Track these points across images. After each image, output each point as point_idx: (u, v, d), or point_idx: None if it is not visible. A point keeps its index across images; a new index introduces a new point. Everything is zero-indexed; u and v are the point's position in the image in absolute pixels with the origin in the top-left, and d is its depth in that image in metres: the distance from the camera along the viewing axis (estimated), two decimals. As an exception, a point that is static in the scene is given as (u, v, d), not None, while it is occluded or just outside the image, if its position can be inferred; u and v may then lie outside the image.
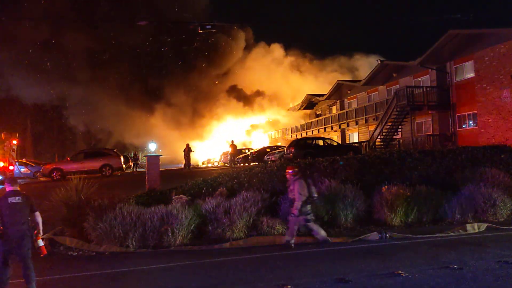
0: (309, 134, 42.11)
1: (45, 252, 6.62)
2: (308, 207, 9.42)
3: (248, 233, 10.31)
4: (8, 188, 6.65)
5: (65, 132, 52.58)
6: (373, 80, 31.77)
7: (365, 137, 32.70)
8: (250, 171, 12.94)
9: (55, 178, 23.29)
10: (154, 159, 14.58)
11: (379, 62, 30.11)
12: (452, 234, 10.09)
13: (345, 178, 12.43)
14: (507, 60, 21.37)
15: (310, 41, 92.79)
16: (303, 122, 46.28)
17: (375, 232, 10.09)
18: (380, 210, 11.24)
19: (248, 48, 57.58)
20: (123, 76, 51.55)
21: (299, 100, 47.19)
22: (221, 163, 41.22)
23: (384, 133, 26.93)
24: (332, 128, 38.98)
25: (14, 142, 21.10)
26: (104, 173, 24.14)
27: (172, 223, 9.79)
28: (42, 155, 47.47)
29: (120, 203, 10.40)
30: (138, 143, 53.38)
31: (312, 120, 44.31)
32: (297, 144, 25.80)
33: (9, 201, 6.46)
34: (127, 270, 8.13)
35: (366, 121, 32.85)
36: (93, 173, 22.96)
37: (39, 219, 6.70)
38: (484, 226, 10.59)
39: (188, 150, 29.88)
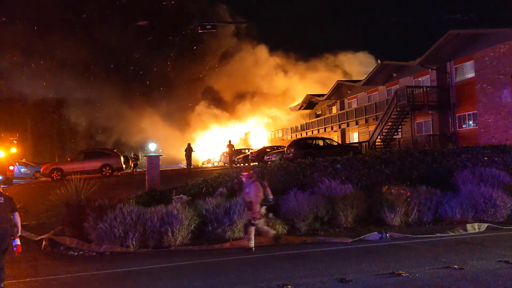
0: (309, 134, 42.10)
1: (20, 250, 6.75)
2: (263, 209, 9.47)
3: (248, 233, 10.30)
4: None
5: (65, 132, 52.56)
6: (373, 80, 31.76)
7: (365, 137, 32.66)
8: (250, 171, 12.93)
9: (55, 178, 23.27)
10: (154, 159, 14.61)
11: (379, 62, 30.13)
12: (452, 234, 10.09)
13: (345, 178, 12.46)
14: (507, 60, 21.38)
15: (310, 41, 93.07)
16: (303, 122, 46.25)
17: (375, 232, 10.10)
18: (380, 210, 11.24)
19: (248, 48, 57.66)
20: (123, 76, 51.63)
21: (299, 100, 47.18)
22: (221, 163, 41.21)
23: (384, 133, 26.94)
24: (332, 128, 38.97)
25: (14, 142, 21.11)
26: (104, 173, 24.13)
27: (172, 223, 9.79)
28: (42, 155, 47.42)
29: (120, 203, 10.39)
30: (138, 143, 53.42)
31: (312, 120, 44.28)
32: (297, 144, 25.83)
33: None
34: (127, 270, 8.13)
35: (366, 121, 32.84)
36: (93, 173, 22.95)
37: (18, 219, 6.90)
38: (484, 226, 10.60)
39: (189, 150, 29.84)
